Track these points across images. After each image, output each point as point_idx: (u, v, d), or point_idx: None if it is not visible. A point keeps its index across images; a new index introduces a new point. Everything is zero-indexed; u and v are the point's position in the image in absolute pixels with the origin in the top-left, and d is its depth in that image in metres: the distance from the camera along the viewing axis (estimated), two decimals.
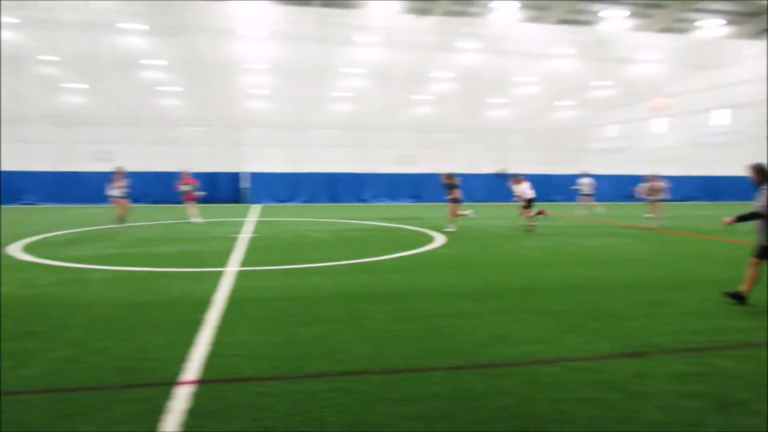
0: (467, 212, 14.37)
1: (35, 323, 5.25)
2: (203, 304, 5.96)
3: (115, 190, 14.95)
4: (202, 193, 16.45)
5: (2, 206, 23.52)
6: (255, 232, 13.51)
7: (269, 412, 3.38)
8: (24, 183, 24.76)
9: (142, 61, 26.85)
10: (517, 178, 14.56)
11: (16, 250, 10.12)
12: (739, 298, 6.01)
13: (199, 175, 26.51)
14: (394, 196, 28.73)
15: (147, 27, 26.27)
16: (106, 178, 24.38)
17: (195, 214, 16.26)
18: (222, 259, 9.05)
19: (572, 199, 23.36)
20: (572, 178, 22.30)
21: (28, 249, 10.22)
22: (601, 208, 20.40)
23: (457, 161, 29.17)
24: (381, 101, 29.87)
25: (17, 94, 25.55)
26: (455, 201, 13.77)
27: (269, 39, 27.72)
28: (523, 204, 14.15)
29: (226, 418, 3.30)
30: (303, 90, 28.35)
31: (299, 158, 28.41)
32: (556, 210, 20.96)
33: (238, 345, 4.63)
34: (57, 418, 3.27)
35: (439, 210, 19.74)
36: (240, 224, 15.44)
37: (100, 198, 24.39)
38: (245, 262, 8.83)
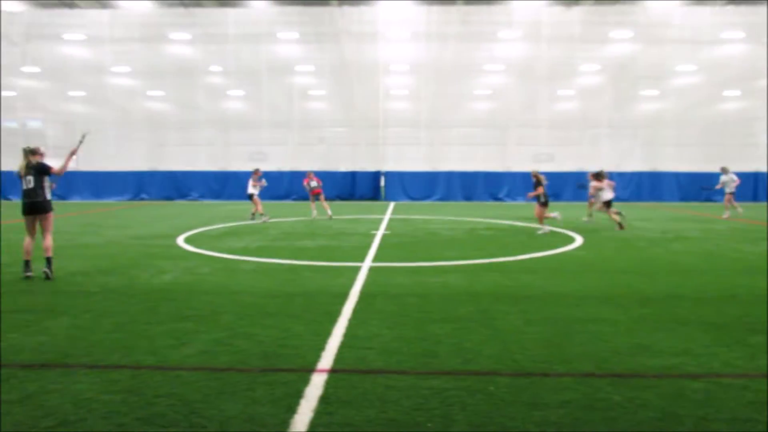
0: (553, 214, 13.24)
1: (194, 307, 5.85)
2: (339, 297, 6.23)
3: (253, 188, 16.34)
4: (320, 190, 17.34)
5: (173, 201, 26.66)
6: (390, 229, 13.84)
7: (396, 405, 3.42)
8: (191, 181, 27.80)
9: (294, 68, 28.76)
10: (599, 176, 14.39)
11: (181, 241, 11.39)
12: None
13: (340, 174, 27.91)
14: None
15: (298, 35, 28.09)
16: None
17: (326, 206, 17.29)
18: (358, 255, 9.40)
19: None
20: (741, 176, 19.83)
21: (189, 240, 11.44)
22: (740, 209, 17.94)
23: (601, 158, 27.38)
24: (521, 97, 29.02)
25: (188, 102, 28.74)
26: (541, 202, 12.66)
27: (411, 40, 28.21)
28: (601, 204, 14.27)
29: (355, 407, 3.41)
30: (442, 89, 28.47)
31: (437, 157, 28.60)
32: (709, 211, 18.82)
33: (369, 338, 4.76)
34: (207, 395, 3.61)
35: (578, 210, 18.68)
36: (376, 221, 15.92)
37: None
38: (379, 258, 9.07)
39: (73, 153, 7.82)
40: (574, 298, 6.29)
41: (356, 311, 5.64)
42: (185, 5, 30.38)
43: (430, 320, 5.33)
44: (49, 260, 7.39)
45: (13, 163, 28.22)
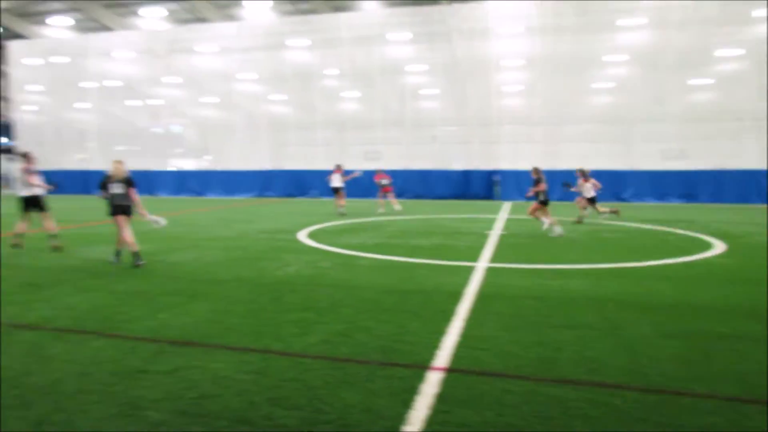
0: (545, 219, 12.20)
1: (316, 299, 6.15)
2: (455, 296, 6.23)
3: (339, 182, 17.73)
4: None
5: (295, 198, 28.09)
6: (506, 229, 13.57)
7: (514, 410, 3.37)
8: (311, 179, 29.14)
9: (406, 68, 29.13)
10: (585, 175, 15.36)
11: (303, 236, 12.00)
12: None
13: (453, 173, 27.82)
14: (660, 195, 25.80)
15: (409, 36, 28.41)
16: (373, 175, 27.04)
17: (394, 203, 19.01)
18: (473, 254, 9.32)
19: None
20: None
21: (311, 236, 12.02)
22: None
23: (745, 154, 24.76)
24: (647, 90, 27.00)
25: (307, 104, 30.20)
26: (540, 200, 12.07)
27: (525, 34, 27.41)
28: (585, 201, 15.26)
29: (472, 408, 3.40)
30: (559, 83, 27.32)
31: (554, 154, 27.48)
32: None
33: (486, 339, 4.72)
34: (329, 383, 3.78)
35: (717, 213, 17.07)
36: (491, 221, 15.67)
37: (368, 193, 27.33)
38: (495, 259, 8.94)
39: (142, 214, 8.76)
40: (715, 311, 5.76)
41: (472, 311, 5.61)
42: (302, 13, 31.93)
43: (549, 325, 5.17)
44: (136, 254, 8.27)
45: (160, 163, 31.21)
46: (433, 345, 4.55)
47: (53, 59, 33.10)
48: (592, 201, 15.34)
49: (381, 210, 18.63)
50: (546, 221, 12.21)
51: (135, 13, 35.24)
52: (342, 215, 17.41)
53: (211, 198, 29.31)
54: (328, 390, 3.66)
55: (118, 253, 8.61)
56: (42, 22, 36.99)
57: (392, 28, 28.32)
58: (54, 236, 9.84)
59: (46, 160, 33.36)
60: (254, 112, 30.98)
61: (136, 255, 8.27)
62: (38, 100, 34.71)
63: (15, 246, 9.85)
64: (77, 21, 36.29)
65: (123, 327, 5.04)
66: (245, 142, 30.72)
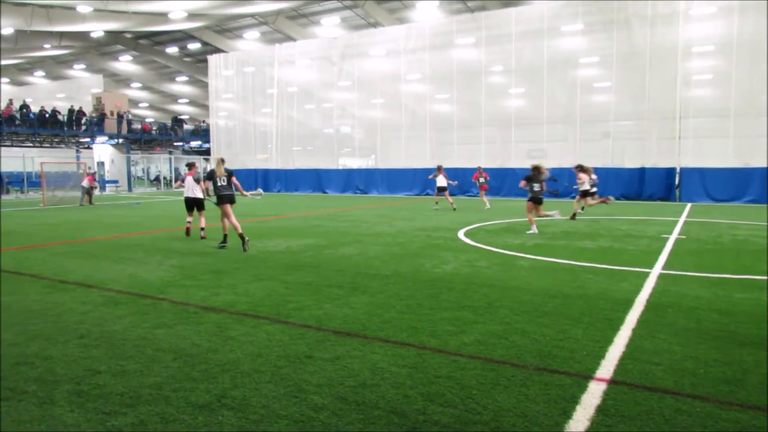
0: (551, 213, 12.54)
1: (472, 298, 6.11)
2: (622, 304, 5.76)
3: (443, 182, 19.23)
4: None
5: (455, 197, 28.18)
6: (685, 233, 12.19)
7: None
8: (470, 177, 28.98)
9: (578, 60, 27.58)
10: (583, 168, 15.72)
11: (461, 234, 11.99)
12: None
13: (626, 171, 25.70)
14: None
15: (582, 26, 26.82)
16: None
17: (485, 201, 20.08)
18: (646, 260, 8.53)
19: None
20: None
21: (470, 234, 11.95)
22: None
23: None
24: None
25: (471, 102, 30.08)
26: (532, 198, 12.20)
27: (719, 15, 24.32)
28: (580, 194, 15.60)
29: (637, 425, 3.12)
30: (760, 70, 23.74)
31: (750, 151, 23.96)
32: None
33: (657, 352, 4.29)
34: (483, 384, 3.73)
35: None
36: (669, 224, 14.18)
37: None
38: (672, 265, 8.08)
39: (244, 194, 10.57)
40: None
41: (642, 321, 5.14)
42: (470, 10, 31.80)
43: (734, 342, 4.54)
44: (242, 236, 9.71)
45: (330, 162, 33.37)
46: (597, 354, 4.25)
47: (244, 69, 37.19)
48: (585, 194, 15.81)
49: (487, 207, 19.57)
50: (551, 214, 12.51)
51: (315, 23, 38.12)
52: (454, 210, 18.79)
53: (375, 195, 30.61)
54: (482, 391, 3.61)
55: (225, 238, 10.15)
56: (236, 37, 41.72)
57: (564, 19, 26.99)
58: (203, 229, 11.60)
59: (235, 161, 37.71)
60: (419, 112, 31.68)
61: (242, 236, 9.67)
62: (230, 107, 39.25)
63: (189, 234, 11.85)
64: (264, 33, 40.30)
65: (293, 314, 5.49)
66: (409, 140, 31.57)
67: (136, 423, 3.21)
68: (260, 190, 11.74)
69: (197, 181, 11.95)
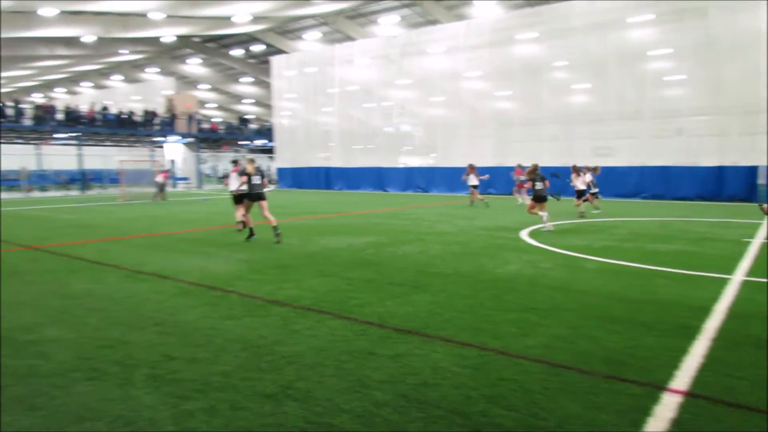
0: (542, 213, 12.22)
1: (537, 300, 5.97)
2: (700, 311, 5.45)
3: (474, 180, 20.68)
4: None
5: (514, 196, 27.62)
6: None
7: None
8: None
9: (647, 53, 26.36)
10: (578, 170, 16.12)
11: (524, 234, 11.74)
12: None
13: (701, 170, 24.35)
14: None
15: (653, 16, 25.62)
16: (602, 172, 25.22)
17: (522, 199, 20.52)
18: (725, 265, 8.03)
19: None
20: None
21: (533, 235, 11.68)
22: None
23: None
24: None
25: (533, 99, 29.37)
26: (535, 197, 12.38)
27: None
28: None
29: None
30: None
31: None
32: None
33: (741, 366, 4.03)
34: (548, 388, 3.63)
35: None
36: (752, 227, 13.32)
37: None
38: (756, 272, 7.56)
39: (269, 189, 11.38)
40: None
41: (722, 331, 4.85)
42: (531, 5, 31.02)
43: None
44: (275, 228, 10.52)
45: (391, 160, 33.43)
46: (671, 364, 4.05)
47: (305, 70, 37.91)
48: (580, 194, 16.07)
49: (520, 201, 20.36)
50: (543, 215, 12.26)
51: (374, 22, 38.37)
52: (487, 206, 20.09)
53: (435, 194, 30.47)
54: (547, 396, 3.52)
55: (276, 231, 10.58)
56: (298, 38, 42.58)
57: (632, 10, 25.86)
58: (239, 222, 12.05)
59: (297, 159, 38.52)
60: (479, 109, 31.25)
61: (275, 229, 10.51)
62: (292, 106, 40.09)
63: (240, 230, 12.17)
64: (325, 34, 40.92)
65: (355, 311, 5.54)
66: (470, 139, 31.20)
67: (207, 408, 3.34)
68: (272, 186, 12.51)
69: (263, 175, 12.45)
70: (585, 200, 16.20)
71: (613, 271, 7.72)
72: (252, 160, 11.19)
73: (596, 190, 16.69)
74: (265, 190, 11.16)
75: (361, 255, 9.06)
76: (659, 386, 3.66)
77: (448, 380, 3.76)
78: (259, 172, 10.97)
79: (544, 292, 6.36)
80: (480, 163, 30.13)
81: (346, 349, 4.38)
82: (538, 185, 12.43)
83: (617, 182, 25.44)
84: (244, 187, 11.97)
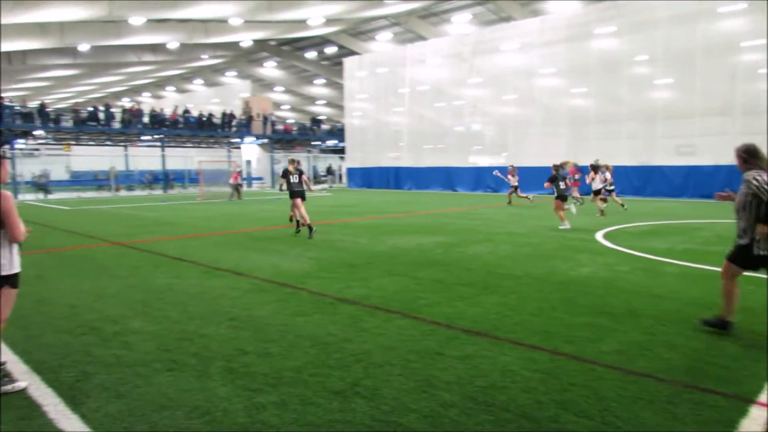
0: (570, 207, 13.15)
1: (612, 304, 5.75)
2: None
3: (514, 181, 21.31)
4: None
5: (589, 196, 26.60)
6: None
7: None
8: (615, 176, 27.20)
9: (740, 44, 24.64)
10: (596, 168, 16.60)
11: (599, 236, 11.31)
12: None
13: None
14: None
15: (746, 5, 23.93)
16: (685, 172, 23.88)
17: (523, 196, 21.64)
18: None
19: None
20: None
21: (609, 236, 11.23)
22: None
23: None
24: None
25: (610, 95, 28.20)
26: (558, 196, 12.75)
27: None
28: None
29: None
30: None
31: None
32: None
33: None
34: (623, 396, 3.50)
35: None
36: None
37: (678, 192, 24.25)
38: None
39: (311, 189, 12.29)
40: None
41: None
42: None
43: None
44: (309, 226, 11.22)
45: (461, 160, 33.12)
46: (759, 375, 3.80)
47: (377, 70, 38.26)
48: (597, 192, 16.65)
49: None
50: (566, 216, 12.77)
51: (446, 21, 38.15)
52: (532, 202, 20.49)
53: (506, 194, 29.91)
54: (622, 404, 3.39)
55: (310, 229, 11.25)
56: (370, 39, 43.04)
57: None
58: (292, 220, 12.36)
59: (368, 159, 38.94)
60: (553, 107, 30.36)
61: (309, 227, 11.24)
62: (363, 107, 40.57)
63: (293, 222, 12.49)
64: (397, 34, 41.11)
65: (423, 311, 5.55)
66: (542, 137, 30.39)
67: (278, 402, 3.46)
68: (324, 189, 12.71)
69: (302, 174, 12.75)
70: (603, 199, 16.55)
71: (696, 275, 7.30)
72: (293, 161, 11.92)
73: (612, 187, 17.22)
74: (307, 188, 11.78)
75: (430, 255, 9.05)
76: (746, 399, 3.44)
77: (517, 384, 3.71)
78: (298, 171, 11.73)
79: (620, 296, 6.11)
80: (553, 162, 29.34)
81: (414, 349, 4.40)
82: (561, 185, 12.89)
83: (701, 182, 24.02)
84: (285, 187, 12.31)
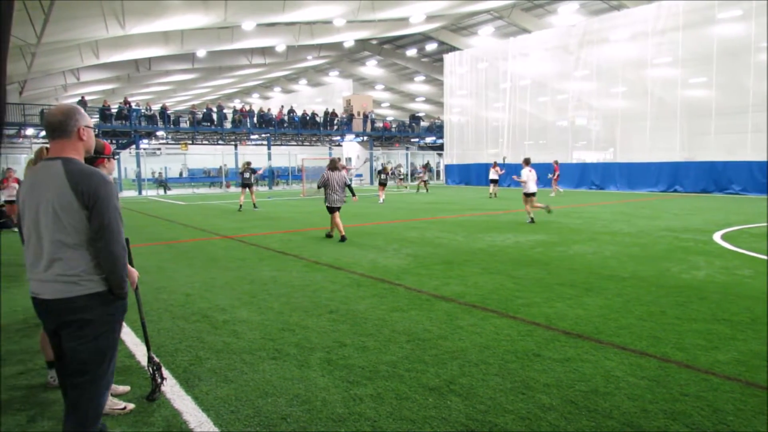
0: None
1: (731, 311, 5.29)
2: None
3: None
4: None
5: (710, 194, 24.57)
6: None
7: None
8: (732, 172, 24.95)
9: None
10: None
11: (717, 237, 10.43)
12: None
13: None
14: None
15: None
16: None
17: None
18: None
19: None
20: None
21: (728, 237, 10.32)
22: None
23: None
24: None
25: (734, 85, 25.80)
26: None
27: None
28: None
29: None
30: None
31: None
32: None
33: None
34: (741, 410, 3.22)
35: None
36: None
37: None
38: None
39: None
40: None
41: None
42: None
43: None
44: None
45: (564, 156, 31.89)
46: None
47: (477, 65, 37.72)
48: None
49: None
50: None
51: (551, 12, 36.74)
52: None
53: (612, 191, 28.38)
54: (741, 418, 3.13)
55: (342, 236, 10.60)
56: (471, 34, 42.47)
57: None
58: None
59: (466, 156, 38.53)
60: (667, 99, 28.31)
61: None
62: (462, 103, 40.17)
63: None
64: (498, 28, 40.22)
65: (521, 310, 5.43)
66: (653, 131, 28.46)
67: (374, 395, 3.55)
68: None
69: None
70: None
71: None
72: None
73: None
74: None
75: (529, 253, 8.82)
76: None
77: (622, 390, 3.53)
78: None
79: (741, 302, 5.61)
80: (665, 158, 27.41)
81: (511, 349, 4.32)
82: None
83: None
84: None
